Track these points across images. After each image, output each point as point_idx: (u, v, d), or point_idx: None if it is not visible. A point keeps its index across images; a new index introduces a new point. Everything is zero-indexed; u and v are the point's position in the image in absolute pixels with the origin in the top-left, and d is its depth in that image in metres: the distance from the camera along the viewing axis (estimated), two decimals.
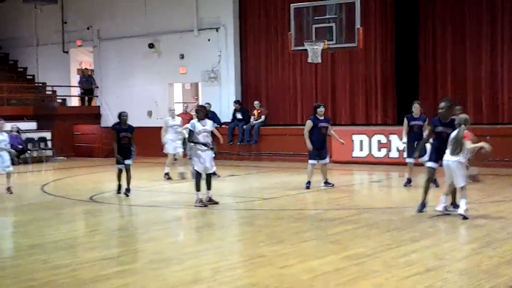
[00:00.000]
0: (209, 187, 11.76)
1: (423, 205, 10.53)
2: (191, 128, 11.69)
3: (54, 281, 6.95)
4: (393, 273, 6.93)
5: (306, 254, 7.98)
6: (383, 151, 18.78)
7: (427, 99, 18.84)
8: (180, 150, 16.35)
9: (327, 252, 8.08)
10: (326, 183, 13.97)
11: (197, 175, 11.64)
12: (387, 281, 6.64)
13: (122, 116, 13.67)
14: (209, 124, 11.82)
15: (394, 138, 18.26)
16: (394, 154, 18.41)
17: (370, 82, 20.69)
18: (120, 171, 13.42)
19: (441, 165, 10.30)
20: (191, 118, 22.61)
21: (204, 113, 11.90)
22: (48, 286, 6.77)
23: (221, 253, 8.32)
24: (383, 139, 18.78)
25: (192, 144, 11.66)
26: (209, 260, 7.78)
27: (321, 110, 13.94)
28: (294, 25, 17.62)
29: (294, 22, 17.59)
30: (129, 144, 13.49)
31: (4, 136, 14.20)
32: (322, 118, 13.92)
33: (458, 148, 9.82)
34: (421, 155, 12.17)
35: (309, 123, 13.92)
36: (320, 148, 13.81)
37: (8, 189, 14.06)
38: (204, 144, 11.59)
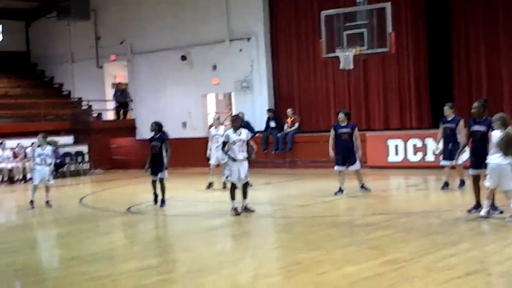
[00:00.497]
0: (245, 196, 11.77)
1: (476, 207, 10.50)
2: (225, 140, 11.69)
3: None
4: (432, 278, 6.85)
5: (344, 260, 7.94)
6: (419, 155, 18.59)
7: (461, 101, 18.62)
8: (223, 161, 16.19)
9: (364, 258, 8.03)
10: (363, 187, 13.86)
11: (232, 186, 11.66)
12: (427, 285, 6.57)
13: (151, 125, 13.83)
14: (244, 134, 11.73)
15: (429, 142, 18.06)
16: (430, 158, 18.21)
17: (403, 86, 20.53)
18: (153, 182, 13.52)
19: (481, 168, 10.18)
20: (223, 129, 22.82)
21: (239, 122, 11.88)
22: None
23: (258, 261, 8.33)
24: (419, 143, 18.60)
25: (227, 154, 11.63)
26: (246, 268, 7.79)
27: (340, 116, 13.87)
28: (325, 32, 17.57)
29: (325, 29, 17.54)
30: (159, 153, 13.42)
31: (46, 150, 14.37)
32: (344, 124, 13.78)
33: (510, 150, 9.62)
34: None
35: (331, 131, 13.96)
36: (345, 154, 13.68)
37: (47, 202, 14.28)
38: (239, 154, 11.55)
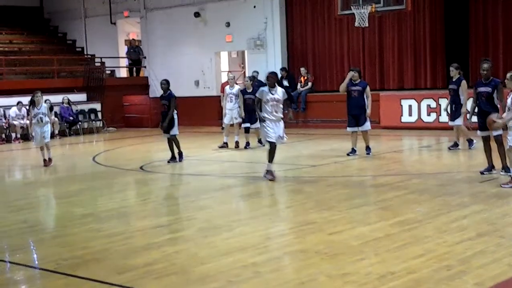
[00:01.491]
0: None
1: (488, 169, 10.56)
2: (259, 96, 10.95)
3: (108, 249, 7.11)
4: (444, 239, 6.86)
5: (356, 221, 7.97)
6: (433, 116, 18.49)
7: (478, 61, 18.36)
8: (236, 120, 16.19)
9: (377, 218, 8.06)
10: (368, 149, 13.68)
11: (271, 146, 10.92)
12: (438, 246, 6.59)
13: (161, 84, 14.03)
14: (279, 92, 10.95)
15: (443, 102, 17.90)
16: (444, 118, 18.08)
17: (418, 45, 20.30)
18: (168, 140, 13.75)
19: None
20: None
21: (275, 80, 11.06)
22: (102, 254, 6.93)
23: (270, 220, 8.37)
24: (433, 104, 18.47)
25: (261, 113, 10.88)
26: (259, 227, 7.83)
27: (350, 74, 13.75)
28: None
29: None
30: (168, 111, 13.61)
31: (42, 109, 13.89)
32: (357, 82, 13.68)
33: None
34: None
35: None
36: (356, 113, 13.59)
37: (46, 160, 14.04)
38: (273, 114, 10.85)
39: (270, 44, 22.55)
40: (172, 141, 13.73)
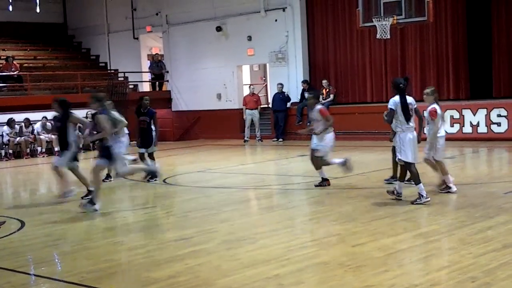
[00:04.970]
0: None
1: None
2: (392, 107, 9.68)
3: (131, 261, 7.14)
4: (469, 250, 6.80)
5: (379, 232, 7.92)
6: (456, 127, 18.35)
7: (501, 72, 18.29)
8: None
9: (400, 230, 8.00)
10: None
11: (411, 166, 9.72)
12: (462, 258, 6.53)
13: (143, 100, 13.74)
14: (412, 100, 9.91)
15: (467, 113, 17.82)
16: (467, 129, 17.97)
17: (441, 56, 20.21)
18: (141, 154, 13.56)
19: None
20: (258, 100, 22.86)
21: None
22: (125, 267, 6.97)
23: (293, 232, 8.36)
24: (456, 114, 18.34)
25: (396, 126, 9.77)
26: (282, 239, 7.82)
27: None
28: (362, 1, 17.36)
29: None
30: (148, 128, 13.48)
31: None
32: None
33: None
34: None
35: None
36: None
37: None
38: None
39: (291, 57, 22.60)
40: (142, 158, 13.46)
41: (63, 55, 27.90)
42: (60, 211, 10.94)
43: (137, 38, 27.01)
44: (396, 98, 9.65)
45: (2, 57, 24.52)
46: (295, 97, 22.19)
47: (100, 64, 28.17)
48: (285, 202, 10.73)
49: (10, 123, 20.56)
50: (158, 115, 25.18)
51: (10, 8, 27.28)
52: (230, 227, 8.74)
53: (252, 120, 22.49)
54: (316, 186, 11.45)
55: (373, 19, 16.87)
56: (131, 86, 26.55)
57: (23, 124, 21.06)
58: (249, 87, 23.47)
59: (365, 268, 6.39)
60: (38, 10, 28.02)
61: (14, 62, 23.97)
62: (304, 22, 22.56)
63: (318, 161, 11.34)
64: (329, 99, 21.25)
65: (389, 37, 17.11)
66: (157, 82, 26.37)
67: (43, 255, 7.80)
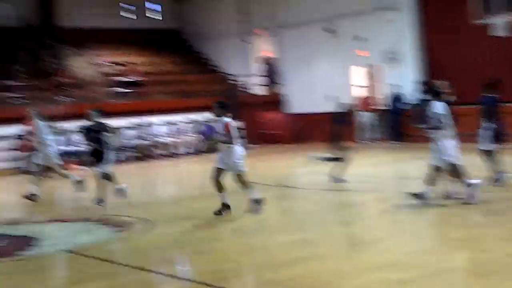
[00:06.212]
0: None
1: None
2: (438, 111, 10.07)
3: (254, 263, 7.27)
4: None
5: (507, 238, 7.63)
6: None
7: None
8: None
9: None
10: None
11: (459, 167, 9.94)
12: None
13: (90, 115, 12.38)
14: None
15: None
16: None
17: None
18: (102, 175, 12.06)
19: None
20: (371, 102, 22.59)
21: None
22: (248, 268, 7.10)
23: (414, 236, 8.23)
24: None
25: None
26: (403, 243, 7.72)
27: None
28: None
29: None
30: (99, 145, 12.06)
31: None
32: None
33: None
34: None
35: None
36: None
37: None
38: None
39: (405, 57, 22.19)
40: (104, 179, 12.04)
41: (180, 60, 28.73)
42: (180, 211, 11.29)
43: (248, 42, 27.41)
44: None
45: (124, 63, 25.63)
46: (409, 98, 21.77)
47: (214, 68, 28.81)
48: (404, 205, 10.54)
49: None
50: (270, 117, 25.91)
51: (131, 17, 28.47)
52: (349, 229, 8.72)
53: (364, 123, 22.27)
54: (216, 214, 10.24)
55: (490, 16, 16.32)
56: (243, 90, 26.98)
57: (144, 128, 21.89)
58: (362, 88, 23.25)
59: (494, 275, 6.18)
60: (157, 17, 29.14)
61: (137, 68, 24.98)
62: (418, 21, 22.08)
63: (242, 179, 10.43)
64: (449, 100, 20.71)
65: (506, 34, 16.47)
66: (268, 85, 26.62)
67: (169, 254, 8.10)
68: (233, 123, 10.33)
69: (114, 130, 12.60)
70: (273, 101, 26.01)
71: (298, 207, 11.27)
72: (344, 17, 23.47)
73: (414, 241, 7.91)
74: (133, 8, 28.51)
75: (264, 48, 27.94)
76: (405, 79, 22.09)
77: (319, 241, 8.22)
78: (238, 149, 10.32)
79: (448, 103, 10.34)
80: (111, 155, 12.17)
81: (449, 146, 10.05)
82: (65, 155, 19.89)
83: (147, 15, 28.94)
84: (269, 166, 18.12)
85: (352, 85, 24.11)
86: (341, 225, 9.09)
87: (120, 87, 24.10)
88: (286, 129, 25.08)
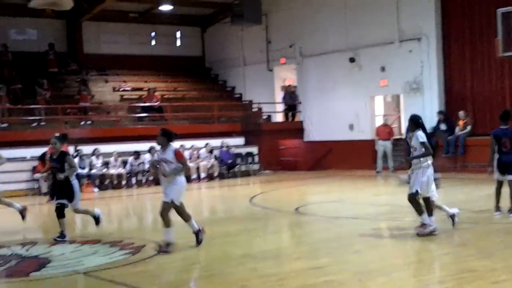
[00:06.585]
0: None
1: None
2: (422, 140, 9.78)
3: None
4: None
5: None
6: None
7: None
8: None
9: None
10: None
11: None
12: None
13: (52, 143, 11.08)
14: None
15: None
16: None
17: None
18: (60, 208, 10.77)
19: None
20: (391, 131, 22.54)
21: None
22: None
23: (427, 266, 8.14)
24: None
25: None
26: (416, 273, 7.64)
27: None
28: (502, 30, 16.78)
29: (501, 27, 16.76)
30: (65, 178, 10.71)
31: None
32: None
33: None
34: None
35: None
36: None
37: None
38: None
39: (426, 88, 22.15)
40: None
41: (201, 86, 29.02)
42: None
43: (271, 70, 27.58)
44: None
45: (144, 89, 25.90)
46: (429, 128, 21.65)
47: (236, 95, 29.00)
48: (418, 235, 10.43)
49: (151, 150, 21.53)
50: (290, 145, 25.96)
51: (153, 42, 28.85)
52: (363, 258, 8.64)
53: (384, 151, 22.20)
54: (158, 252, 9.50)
55: None
56: (264, 117, 27.09)
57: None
58: (382, 117, 23.22)
59: None
60: (178, 44, 29.48)
61: (156, 93, 25.24)
62: (440, 52, 22.08)
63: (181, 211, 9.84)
64: (466, 131, 20.59)
65: None
66: (290, 113, 26.71)
67: (179, 278, 8.09)
68: (182, 149, 9.66)
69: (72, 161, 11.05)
70: (293, 129, 26.08)
71: (311, 234, 11.21)
72: (367, 47, 23.56)
73: (427, 271, 7.82)
74: (156, 35, 28.89)
75: (286, 76, 28.12)
76: (426, 109, 22.02)
77: (331, 269, 8.16)
78: (181, 180, 9.66)
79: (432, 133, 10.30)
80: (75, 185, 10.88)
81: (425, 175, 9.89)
82: (87, 177, 20.20)
83: (170, 42, 29.30)
84: (285, 193, 18.11)
85: (374, 114, 24.13)
86: (354, 253, 9.00)
87: (141, 112, 24.35)
88: (305, 157, 25.10)
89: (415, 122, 9.99)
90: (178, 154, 9.67)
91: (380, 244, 9.89)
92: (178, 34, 29.63)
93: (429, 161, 9.86)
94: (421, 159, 9.79)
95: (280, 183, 20.80)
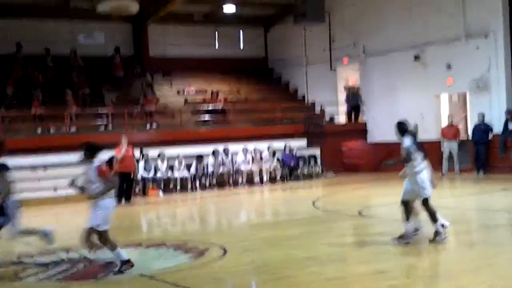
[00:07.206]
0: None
1: None
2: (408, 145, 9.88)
3: None
4: None
5: None
6: None
7: None
8: None
9: None
10: None
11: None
12: None
13: None
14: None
15: None
16: None
17: None
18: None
19: None
20: (457, 131, 21.99)
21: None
22: None
23: (497, 271, 7.90)
24: None
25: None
26: (484, 278, 7.43)
27: None
28: None
29: None
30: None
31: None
32: None
33: None
34: None
35: None
36: None
37: None
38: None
39: (494, 86, 21.55)
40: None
41: (264, 88, 29.04)
42: (260, 239, 11.31)
43: (334, 70, 27.39)
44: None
45: (208, 91, 26.13)
46: (497, 127, 21.08)
47: (298, 97, 28.90)
48: (487, 239, 10.17)
49: (214, 153, 21.72)
50: (354, 146, 25.68)
51: (216, 45, 29.06)
52: (429, 262, 8.48)
53: (450, 153, 21.73)
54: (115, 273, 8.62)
55: None
56: (327, 118, 26.91)
57: (224, 155, 22.08)
58: (448, 117, 22.73)
59: None
60: (241, 47, 29.62)
61: (219, 96, 25.42)
62: (508, 49, 21.43)
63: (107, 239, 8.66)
64: None
65: None
66: (353, 114, 26.44)
67: (243, 282, 8.10)
68: (104, 167, 8.64)
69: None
70: (356, 130, 25.81)
71: (375, 237, 11.05)
72: (432, 44, 23.10)
73: (495, 276, 7.59)
74: (219, 36, 29.08)
75: (349, 76, 27.84)
76: (494, 108, 21.45)
77: (396, 273, 8.04)
78: (105, 203, 8.52)
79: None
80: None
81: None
82: (151, 181, 20.54)
83: (233, 43, 29.45)
84: (348, 195, 17.95)
85: (439, 114, 23.64)
86: (420, 257, 8.84)
87: (204, 114, 24.57)
88: (368, 158, 24.80)
89: (400, 129, 10.22)
90: (100, 172, 8.50)
91: (447, 247, 9.67)
92: (241, 35, 29.75)
93: (422, 165, 9.84)
94: (415, 163, 9.75)
95: (342, 185, 20.62)
